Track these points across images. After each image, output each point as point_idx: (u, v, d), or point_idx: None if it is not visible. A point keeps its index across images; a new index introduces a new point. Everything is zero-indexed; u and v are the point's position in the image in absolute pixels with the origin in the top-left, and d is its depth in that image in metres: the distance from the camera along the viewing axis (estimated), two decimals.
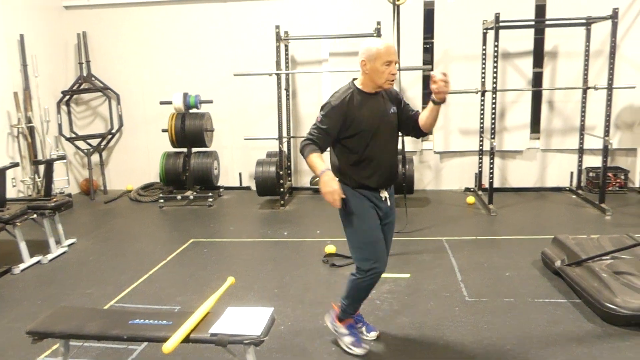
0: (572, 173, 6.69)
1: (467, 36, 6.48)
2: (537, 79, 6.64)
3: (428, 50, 6.78)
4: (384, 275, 3.88)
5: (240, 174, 7.27)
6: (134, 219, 6.09)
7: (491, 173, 5.94)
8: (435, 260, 4.38)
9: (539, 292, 3.68)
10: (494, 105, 5.84)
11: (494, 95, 5.82)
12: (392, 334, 3.14)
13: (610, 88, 5.71)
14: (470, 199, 6.25)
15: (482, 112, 6.42)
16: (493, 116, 5.87)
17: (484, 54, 6.21)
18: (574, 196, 6.43)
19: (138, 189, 7.16)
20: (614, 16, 5.54)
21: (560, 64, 6.52)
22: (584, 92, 6.26)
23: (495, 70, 5.76)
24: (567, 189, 6.70)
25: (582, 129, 6.38)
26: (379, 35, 6.04)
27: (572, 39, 6.33)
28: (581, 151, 6.48)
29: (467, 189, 6.84)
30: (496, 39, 5.68)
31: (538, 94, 6.65)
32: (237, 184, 7.29)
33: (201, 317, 2.38)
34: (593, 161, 6.54)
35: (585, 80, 6.23)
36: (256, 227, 5.68)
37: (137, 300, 3.76)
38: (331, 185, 2.55)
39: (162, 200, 6.47)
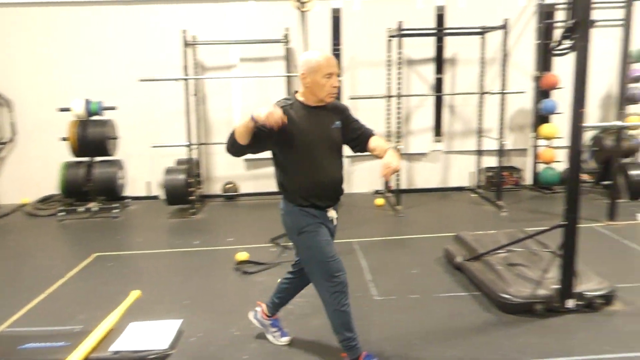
0: (471, 173, 7.10)
1: (373, 43, 6.70)
2: (438, 85, 6.99)
3: (337, 56, 6.92)
4: None
5: (148, 183, 7.02)
6: (30, 235, 5.68)
7: (398, 175, 6.16)
8: (345, 262, 4.38)
9: (442, 287, 3.87)
10: (399, 110, 6.09)
11: (399, 100, 6.06)
12: (304, 338, 3.17)
13: (502, 93, 6.14)
14: (379, 201, 6.45)
15: (388, 116, 6.65)
16: (398, 120, 6.12)
17: (389, 61, 6.45)
18: (474, 195, 6.83)
19: (35, 202, 6.70)
20: (505, 26, 5.96)
21: (459, 70, 6.91)
22: (481, 96, 6.68)
23: (399, 76, 6.00)
24: (468, 188, 7.10)
25: (480, 131, 6.79)
26: (287, 41, 6.09)
27: (469, 47, 6.73)
28: (479, 152, 6.89)
29: (377, 192, 7.05)
30: (400, 46, 5.92)
31: (440, 98, 7.00)
32: (145, 194, 7.03)
33: (102, 336, 2.27)
34: (490, 161, 6.98)
35: (481, 86, 6.64)
36: (166, 238, 5.51)
37: (34, 322, 3.51)
38: (265, 109, 2.37)
39: (62, 214, 6.09)
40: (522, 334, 3.14)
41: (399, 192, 6.16)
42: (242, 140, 2.46)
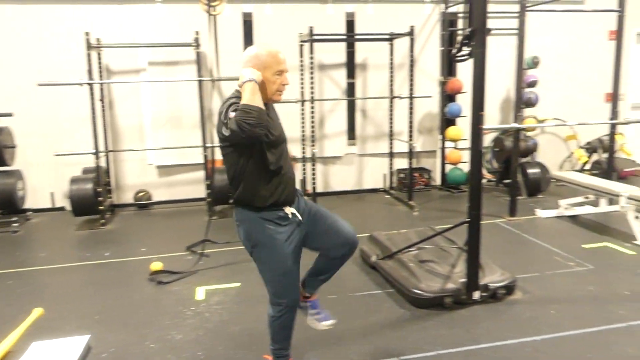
0: (385, 175, 7.33)
1: (285, 48, 6.63)
2: (350, 89, 7.16)
3: None
4: (212, 287, 3.86)
5: (52, 194, 6.61)
6: None
7: (314, 178, 6.25)
8: None
9: (359, 286, 3.97)
10: (312, 114, 6.17)
11: (312, 105, 6.15)
12: (223, 345, 3.12)
13: (411, 97, 6.41)
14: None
15: (302, 120, 6.72)
16: (312, 124, 6.20)
17: (302, 66, 6.52)
18: (388, 196, 7.06)
19: None
20: (411, 33, 6.23)
21: (370, 75, 7.11)
22: (391, 101, 6.91)
23: (312, 81, 6.09)
24: (382, 189, 7.33)
25: (391, 134, 7.03)
26: (197, 44, 5.98)
27: (378, 53, 6.95)
28: (391, 154, 7.14)
29: None
30: (311, 51, 6.01)
31: (352, 103, 7.17)
32: (49, 205, 6.61)
33: (0, 358, 2.12)
34: (402, 163, 7.24)
35: (391, 90, 6.88)
36: (73, 251, 5.21)
37: None
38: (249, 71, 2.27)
39: None
40: (432, 326, 3.29)
41: (314, 195, 6.24)
42: (261, 103, 2.22)
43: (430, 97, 6.94)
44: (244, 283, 4.07)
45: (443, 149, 7.33)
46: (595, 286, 3.85)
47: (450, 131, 7.06)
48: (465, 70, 6.51)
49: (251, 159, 2.36)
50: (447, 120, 7.18)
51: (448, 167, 7.31)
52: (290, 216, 2.47)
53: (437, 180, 7.53)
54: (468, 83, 3.43)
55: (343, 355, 2.99)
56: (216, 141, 5.77)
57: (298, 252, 2.53)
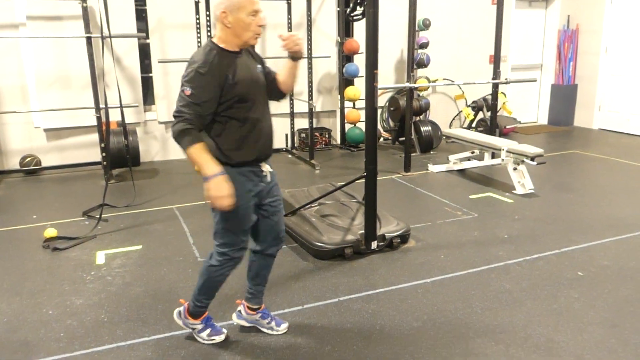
0: (286, 135, 7.41)
1: (181, 5, 6.48)
2: None
3: (143, 17, 6.56)
4: (113, 250, 3.78)
5: None
6: None
7: None
8: (167, 228, 4.41)
9: None
10: None
11: None
12: (126, 307, 3.09)
13: (310, 57, 6.47)
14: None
15: None
16: None
17: (198, 24, 6.32)
18: (290, 156, 7.16)
19: None
20: None
21: (268, 35, 7.06)
22: None
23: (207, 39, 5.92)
24: (284, 149, 7.41)
25: (292, 94, 7.09)
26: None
27: (276, 12, 6.90)
28: (292, 115, 7.21)
29: None
30: (207, 8, 5.83)
31: None
32: None
33: None
34: (303, 123, 7.35)
35: None
36: None
37: None
38: (225, 189, 2.22)
39: None
40: (334, 276, 3.48)
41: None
42: (191, 158, 2.26)
43: (328, 57, 7.04)
44: (145, 245, 4.01)
45: (342, 108, 7.52)
46: (479, 232, 4.25)
47: (349, 91, 7.24)
48: (361, 31, 6.66)
49: (214, 120, 2.31)
50: (346, 81, 7.35)
51: (348, 127, 7.53)
52: (263, 173, 2.46)
53: (338, 139, 7.75)
54: (364, 44, 3.54)
55: None
56: (111, 102, 5.52)
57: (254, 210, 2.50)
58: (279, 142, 7.42)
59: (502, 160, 5.45)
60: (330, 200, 4.42)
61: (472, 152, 6.11)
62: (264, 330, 2.80)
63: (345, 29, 7.23)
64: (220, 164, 2.28)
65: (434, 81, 7.70)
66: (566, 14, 8.91)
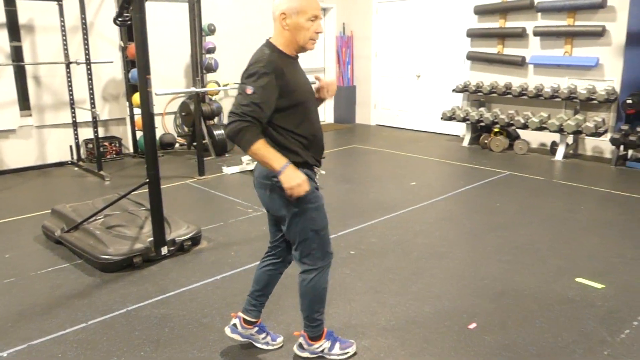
0: (71, 147, 6.89)
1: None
2: (17, 54, 6.42)
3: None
4: None
5: None
6: None
7: None
8: None
9: (42, 264, 3.76)
10: None
11: None
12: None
13: (88, 63, 6.12)
14: None
15: None
16: None
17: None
18: (76, 168, 6.68)
19: None
20: None
21: (39, 38, 6.48)
22: (67, 66, 6.46)
23: None
24: (69, 162, 6.88)
25: (73, 102, 6.61)
26: None
27: (46, 14, 6.37)
28: (75, 124, 6.72)
29: None
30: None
31: (22, 69, 6.45)
32: None
33: None
34: (90, 133, 6.91)
35: (66, 55, 6.42)
36: None
37: None
38: (298, 177, 2.13)
39: None
40: (122, 287, 3.39)
41: None
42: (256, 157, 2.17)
43: (111, 62, 6.75)
44: None
45: (132, 115, 7.25)
46: (267, 226, 4.48)
47: (137, 97, 6.99)
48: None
49: (282, 116, 2.24)
50: (132, 86, 7.11)
51: (139, 134, 7.29)
52: (317, 177, 2.44)
53: (131, 147, 7.45)
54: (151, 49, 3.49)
55: (22, 336, 2.84)
56: None
57: None
58: (63, 154, 6.87)
59: None
60: (117, 210, 4.27)
61: None
62: (259, 345, 2.69)
63: (128, 33, 6.99)
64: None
65: (225, 85, 7.87)
66: (342, 22, 9.84)
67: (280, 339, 2.73)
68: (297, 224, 2.31)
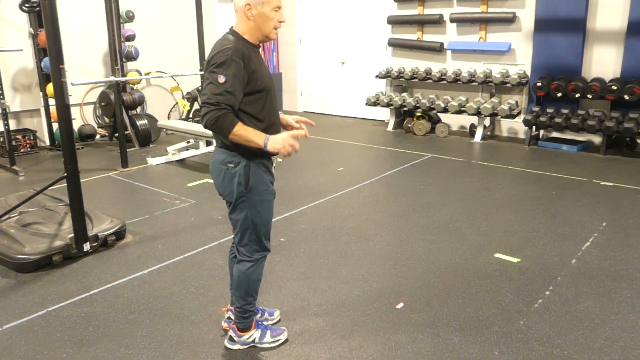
0: None
1: None
2: None
3: None
4: None
5: None
6: None
7: None
8: None
9: None
10: None
11: None
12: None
13: None
14: None
15: None
16: None
17: None
18: None
19: None
20: None
21: None
22: None
23: None
24: None
25: None
26: None
27: None
28: None
29: None
30: None
31: None
32: None
33: None
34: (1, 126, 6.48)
35: None
36: None
37: None
38: (282, 139, 2.24)
39: None
40: (41, 287, 3.23)
41: None
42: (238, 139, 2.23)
43: (20, 50, 6.34)
44: None
45: (47, 106, 6.85)
46: (195, 217, 4.43)
47: (50, 87, 6.64)
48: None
49: (244, 105, 2.27)
50: (46, 76, 6.71)
51: (55, 126, 6.92)
52: (274, 167, 2.47)
53: (47, 140, 7.06)
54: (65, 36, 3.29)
55: None
56: None
57: None
58: None
59: (215, 146, 5.73)
60: (33, 207, 4.05)
61: (188, 142, 6.28)
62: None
63: (38, 19, 6.57)
64: (238, 156, 2.31)
65: (147, 74, 7.61)
66: None
67: (277, 312, 2.86)
68: (241, 210, 2.38)
